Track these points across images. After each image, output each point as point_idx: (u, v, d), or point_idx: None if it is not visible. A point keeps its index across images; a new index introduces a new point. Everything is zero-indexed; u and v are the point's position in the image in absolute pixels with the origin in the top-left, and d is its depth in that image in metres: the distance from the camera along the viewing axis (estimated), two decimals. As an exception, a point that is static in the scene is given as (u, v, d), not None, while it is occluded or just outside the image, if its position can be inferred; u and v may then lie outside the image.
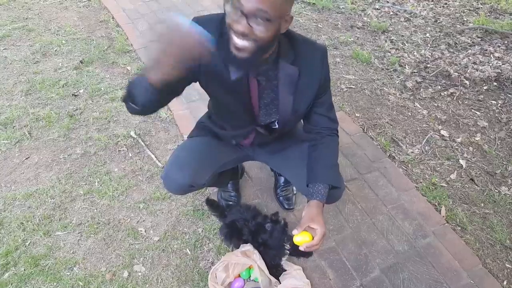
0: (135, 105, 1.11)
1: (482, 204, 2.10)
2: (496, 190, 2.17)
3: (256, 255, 1.56)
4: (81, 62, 2.96)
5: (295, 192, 2.03)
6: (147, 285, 1.64)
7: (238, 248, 1.60)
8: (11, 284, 1.62)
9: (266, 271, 1.53)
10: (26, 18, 3.53)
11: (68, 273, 1.68)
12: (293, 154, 1.56)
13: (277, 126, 1.42)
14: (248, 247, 1.59)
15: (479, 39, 3.53)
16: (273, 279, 1.55)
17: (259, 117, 1.39)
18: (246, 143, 1.57)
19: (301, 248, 1.23)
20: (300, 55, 1.25)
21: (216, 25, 1.17)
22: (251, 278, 1.60)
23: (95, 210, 1.93)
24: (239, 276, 1.62)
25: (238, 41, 1.07)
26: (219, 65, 1.21)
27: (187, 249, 1.77)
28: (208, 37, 0.95)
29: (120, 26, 3.45)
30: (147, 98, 1.08)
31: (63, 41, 3.22)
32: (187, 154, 1.47)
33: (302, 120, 1.49)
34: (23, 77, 2.81)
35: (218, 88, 1.30)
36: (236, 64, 1.18)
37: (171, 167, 1.43)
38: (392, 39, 3.51)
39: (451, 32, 3.62)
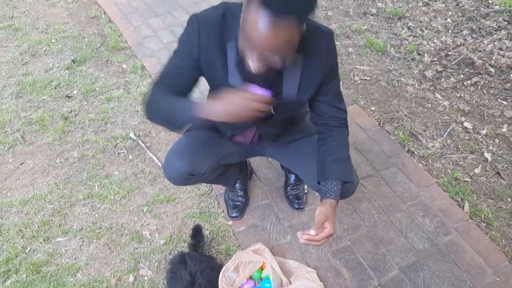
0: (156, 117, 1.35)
1: (509, 199, 2.23)
2: (524, 184, 2.31)
3: (268, 253, 1.71)
4: (73, 61, 3.16)
5: (306, 191, 2.18)
6: (154, 290, 1.80)
7: None
8: (14, 292, 1.79)
9: (278, 270, 1.68)
10: (12, 17, 3.75)
11: (72, 279, 1.84)
12: (303, 148, 1.68)
13: (273, 113, 1.50)
14: (258, 246, 1.75)
15: (506, 22, 3.67)
16: (284, 279, 1.70)
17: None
18: (248, 136, 1.71)
19: (302, 241, 1.31)
20: (305, 41, 1.32)
21: (218, 26, 1.30)
22: (262, 277, 1.74)
23: (96, 215, 2.10)
24: (250, 277, 1.76)
25: (254, 68, 1.21)
26: (219, 68, 1.36)
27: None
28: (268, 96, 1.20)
29: (113, 21, 3.65)
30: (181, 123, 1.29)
31: (53, 40, 3.42)
32: (187, 143, 1.63)
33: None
34: (12, 80, 3.00)
35: (217, 87, 1.41)
36: (246, 77, 1.31)
37: (171, 155, 1.59)
38: (410, 26, 3.66)
39: (474, 16, 3.76)
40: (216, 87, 1.42)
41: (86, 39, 3.43)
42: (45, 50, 3.30)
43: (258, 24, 1.07)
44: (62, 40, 3.42)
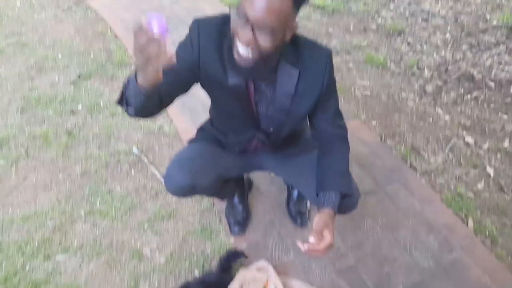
0: (130, 107, 1.15)
1: (514, 215, 2.12)
2: (528, 200, 2.20)
3: (271, 271, 1.61)
4: (78, 76, 3.08)
5: (309, 207, 2.08)
6: (154, 310, 1.70)
7: None
8: (11, 312, 1.69)
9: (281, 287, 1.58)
10: (20, 33, 3.69)
11: (70, 299, 1.74)
12: (303, 162, 1.62)
13: (271, 129, 1.50)
14: (262, 263, 1.65)
15: (504, 37, 3.58)
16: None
17: (261, 122, 1.49)
18: (249, 149, 1.65)
19: (303, 249, 1.25)
20: (302, 57, 1.33)
21: (218, 28, 1.28)
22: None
23: (97, 232, 2.00)
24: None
25: (242, 50, 1.16)
26: (218, 69, 1.31)
27: (196, 271, 1.82)
28: (163, 30, 0.93)
29: (118, 37, 3.59)
30: (140, 101, 1.11)
31: (59, 55, 3.35)
32: (188, 155, 1.55)
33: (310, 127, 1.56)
34: (18, 94, 2.92)
35: (217, 91, 1.40)
36: (238, 71, 1.27)
37: (172, 167, 1.51)
38: (409, 41, 3.58)
39: (473, 32, 3.68)
40: (214, 88, 1.39)
41: (92, 55, 3.37)
42: (52, 65, 3.24)
43: None
44: (68, 55, 3.36)
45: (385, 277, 1.81)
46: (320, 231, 1.28)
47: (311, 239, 1.26)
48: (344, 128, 1.52)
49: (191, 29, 1.32)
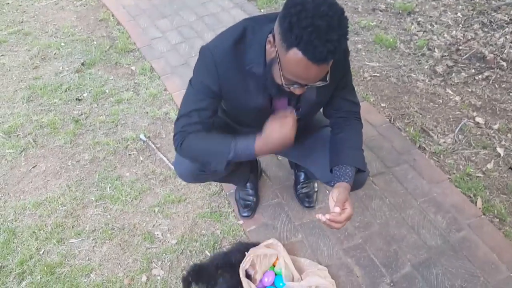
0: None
1: (523, 194, 2.23)
2: (538, 179, 2.30)
3: (280, 247, 1.75)
4: (82, 64, 3.22)
5: (316, 189, 2.20)
6: (166, 289, 1.84)
7: None
8: (29, 293, 1.84)
9: (291, 265, 1.71)
10: (22, 22, 3.83)
11: (85, 280, 1.89)
12: (314, 141, 1.73)
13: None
14: (271, 241, 1.79)
15: (518, 15, 3.65)
16: (296, 274, 1.73)
17: None
18: None
19: (323, 219, 1.34)
20: None
21: (232, 52, 1.34)
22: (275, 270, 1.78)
23: (109, 216, 2.14)
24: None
25: (296, 91, 1.29)
26: (241, 92, 1.42)
27: (206, 251, 1.96)
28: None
29: (121, 24, 3.70)
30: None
31: (62, 44, 3.48)
32: None
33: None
34: (23, 84, 3.07)
35: (238, 109, 1.51)
36: (272, 93, 1.39)
37: None
38: (419, 21, 3.65)
39: (485, 10, 3.75)
40: (236, 108, 1.50)
41: (95, 42, 3.49)
42: (55, 53, 3.37)
43: (299, 67, 1.16)
44: (71, 43, 3.49)
45: (393, 255, 1.94)
46: (343, 203, 1.38)
47: (337, 209, 1.34)
48: (357, 104, 1.61)
49: (204, 57, 1.39)
